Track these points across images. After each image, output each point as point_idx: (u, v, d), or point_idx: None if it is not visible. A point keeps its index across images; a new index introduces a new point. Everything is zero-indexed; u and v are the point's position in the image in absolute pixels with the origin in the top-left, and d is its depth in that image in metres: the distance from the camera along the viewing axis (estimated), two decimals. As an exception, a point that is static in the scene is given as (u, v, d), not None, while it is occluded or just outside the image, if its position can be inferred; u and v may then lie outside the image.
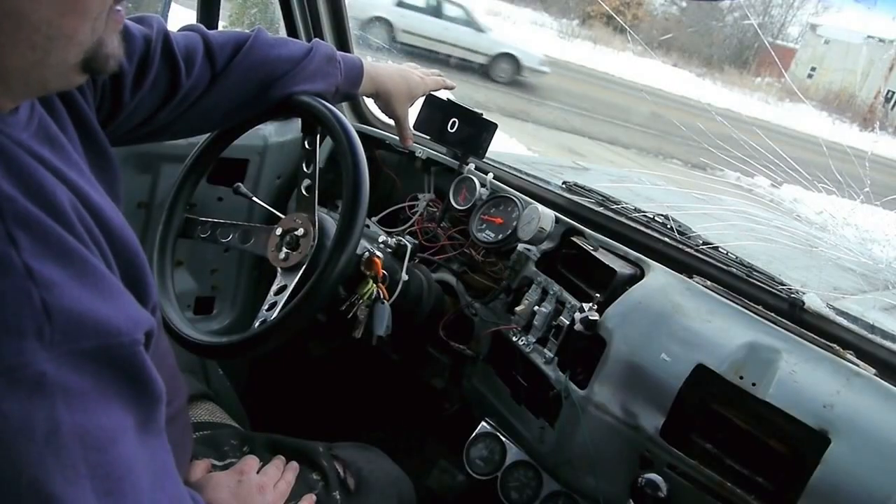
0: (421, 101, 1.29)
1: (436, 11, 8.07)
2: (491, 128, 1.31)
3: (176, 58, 0.86)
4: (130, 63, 0.80)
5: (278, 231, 0.98)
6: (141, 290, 0.56)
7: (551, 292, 1.11)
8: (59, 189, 0.50)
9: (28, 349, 0.42)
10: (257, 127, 1.09)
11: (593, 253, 1.12)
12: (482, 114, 1.32)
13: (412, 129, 1.27)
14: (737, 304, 1.00)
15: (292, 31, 1.54)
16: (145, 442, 0.50)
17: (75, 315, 0.45)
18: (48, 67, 0.50)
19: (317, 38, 1.07)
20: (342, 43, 1.59)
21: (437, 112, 1.34)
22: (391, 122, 1.25)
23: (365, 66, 1.12)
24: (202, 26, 0.95)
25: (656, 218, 1.29)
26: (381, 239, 1.14)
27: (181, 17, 1.68)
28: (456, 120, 1.32)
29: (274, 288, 0.96)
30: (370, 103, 1.40)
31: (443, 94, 1.35)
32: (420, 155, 1.40)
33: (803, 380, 0.88)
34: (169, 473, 0.55)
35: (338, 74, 1.05)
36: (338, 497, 0.96)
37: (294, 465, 0.95)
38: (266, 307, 0.94)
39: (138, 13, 0.86)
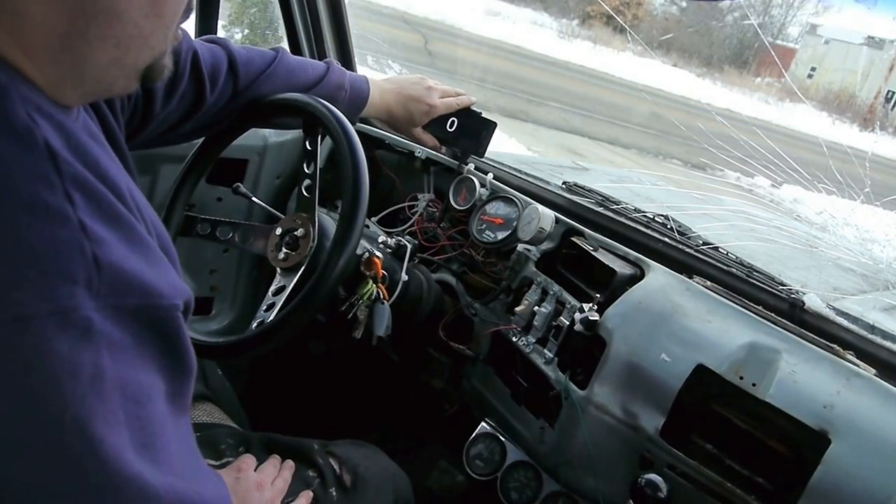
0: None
1: None
2: (491, 127, 1.30)
3: (203, 74, 0.89)
4: None
5: (278, 231, 0.98)
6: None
7: (551, 292, 1.11)
8: (111, 167, 0.51)
9: (79, 294, 0.43)
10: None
11: (593, 253, 1.11)
12: (482, 113, 1.32)
13: (425, 134, 1.28)
14: (737, 304, 1.00)
15: (292, 30, 1.54)
16: (174, 413, 0.51)
17: (122, 272, 0.46)
18: (122, 67, 0.52)
19: (331, 60, 1.10)
20: (342, 42, 1.59)
21: None
22: None
23: (371, 90, 1.14)
24: (227, 40, 0.98)
25: (656, 218, 1.28)
26: (380, 239, 1.13)
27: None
28: (455, 120, 1.32)
29: (273, 288, 0.95)
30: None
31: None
32: (420, 155, 1.40)
33: (803, 380, 0.88)
34: (194, 450, 0.56)
35: (342, 103, 1.08)
36: (334, 494, 0.96)
37: (290, 462, 0.95)
38: (265, 307, 0.94)
39: None
